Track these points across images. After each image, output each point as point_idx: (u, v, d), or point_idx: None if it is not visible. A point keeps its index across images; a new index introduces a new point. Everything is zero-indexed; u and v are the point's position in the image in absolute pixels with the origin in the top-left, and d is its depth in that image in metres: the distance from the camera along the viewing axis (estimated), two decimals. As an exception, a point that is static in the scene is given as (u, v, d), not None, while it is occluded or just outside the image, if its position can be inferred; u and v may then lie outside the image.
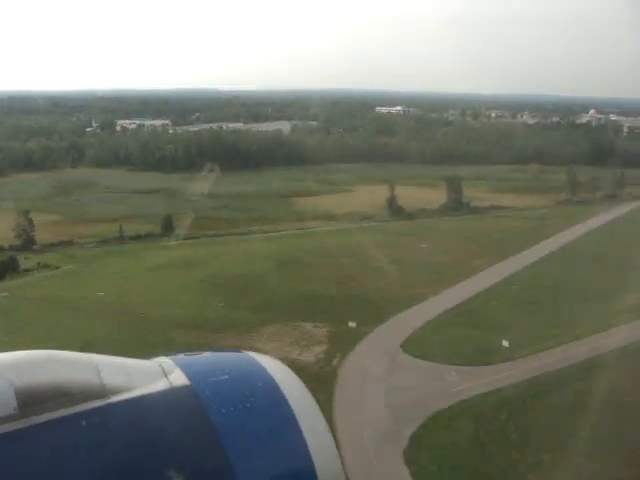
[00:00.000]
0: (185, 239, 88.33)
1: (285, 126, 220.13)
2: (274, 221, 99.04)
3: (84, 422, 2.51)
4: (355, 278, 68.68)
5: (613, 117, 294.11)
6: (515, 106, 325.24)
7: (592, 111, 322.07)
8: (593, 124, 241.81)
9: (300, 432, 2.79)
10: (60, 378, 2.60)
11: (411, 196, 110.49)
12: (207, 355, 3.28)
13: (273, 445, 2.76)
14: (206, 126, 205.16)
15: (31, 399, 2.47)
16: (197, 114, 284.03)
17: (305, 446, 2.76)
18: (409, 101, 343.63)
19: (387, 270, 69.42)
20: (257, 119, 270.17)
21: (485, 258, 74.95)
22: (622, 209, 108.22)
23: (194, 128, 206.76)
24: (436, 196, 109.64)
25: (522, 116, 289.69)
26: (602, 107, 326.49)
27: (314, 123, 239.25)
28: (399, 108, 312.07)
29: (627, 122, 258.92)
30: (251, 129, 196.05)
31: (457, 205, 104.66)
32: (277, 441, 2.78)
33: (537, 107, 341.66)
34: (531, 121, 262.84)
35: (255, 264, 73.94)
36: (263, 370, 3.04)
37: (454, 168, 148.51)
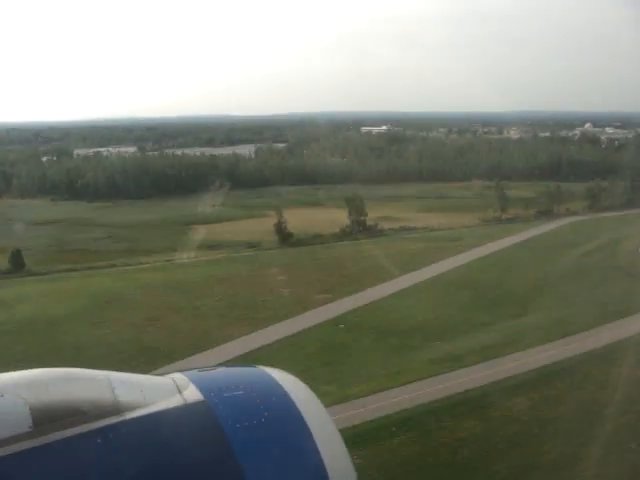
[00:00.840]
0: (32, 275, 79.38)
1: (249, 149, 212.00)
2: (150, 252, 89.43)
3: (99, 439, 2.50)
4: (162, 318, 58.47)
5: (610, 130, 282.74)
6: (521, 122, 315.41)
7: (587, 125, 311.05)
8: (576, 138, 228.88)
9: (315, 446, 2.76)
10: (75, 396, 2.61)
11: (316, 219, 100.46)
12: (220, 370, 3.27)
13: (288, 459, 2.73)
14: (177, 150, 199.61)
15: (46, 417, 2.47)
16: (177, 140, 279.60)
17: (320, 459, 2.73)
18: (418, 121, 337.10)
19: (204, 309, 59.46)
20: (233, 143, 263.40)
21: (335, 291, 63.92)
22: (546, 227, 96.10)
23: (152, 153, 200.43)
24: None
25: (509, 132, 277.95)
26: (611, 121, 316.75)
27: (282, 145, 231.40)
28: (384, 127, 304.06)
29: (618, 134, 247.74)
30: (204, 153, 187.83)
31: (359, 228, 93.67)
32: (292, 455, 2.74)
33: (542, 123, 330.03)
34: (516, 136, 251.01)
35: (70, 304, 64.22)
36: (276, 384, 3.03)
37: (397, 187, 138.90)
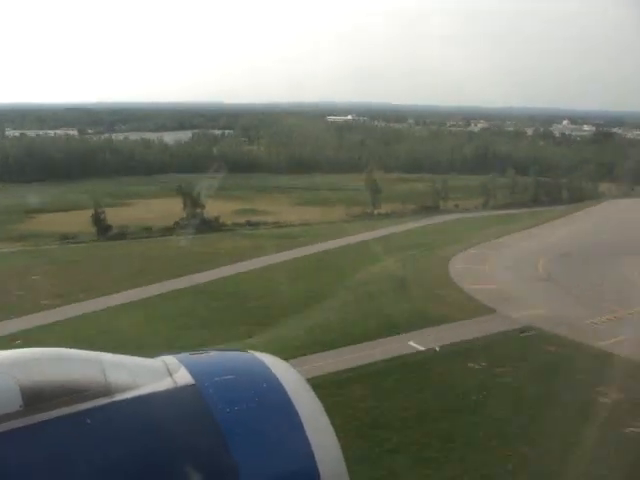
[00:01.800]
0: None
1: (185, 135, 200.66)
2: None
3: (89, 420, 2.52)
4: None
5: (586, 127, 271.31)
6: (507, 118, 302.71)
7: (565, 122, 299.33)
8: (529, 133, 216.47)
9: (304, 431, 2.78)
10: (66, 376, 2.61)
11: (164, 210, 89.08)
12: (212, 354, 3.24)
13: (277, 444, 2.75)
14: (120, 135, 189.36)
15: (36, 397, 2.48)
16: (131, 124, 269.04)
17: (308, 445, 2.75)
18: (406, 113, 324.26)
19: None
20: (185, 128, 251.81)
21: (62, 298, 52.31)
22: (413, 224, 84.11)
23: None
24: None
25: (476, 125, 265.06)
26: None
27: (228, 132, 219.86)
28: (349, 117, 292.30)
29: (583, 132, 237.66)
30: (130, 138, 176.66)
31: (196, 221, 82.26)
32: (281, 440, 2.77)
33: (532, 119, 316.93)
34: (477, 129, 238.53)
35: None
36: (267, 369, 3.04)
37: (297, 177, 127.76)
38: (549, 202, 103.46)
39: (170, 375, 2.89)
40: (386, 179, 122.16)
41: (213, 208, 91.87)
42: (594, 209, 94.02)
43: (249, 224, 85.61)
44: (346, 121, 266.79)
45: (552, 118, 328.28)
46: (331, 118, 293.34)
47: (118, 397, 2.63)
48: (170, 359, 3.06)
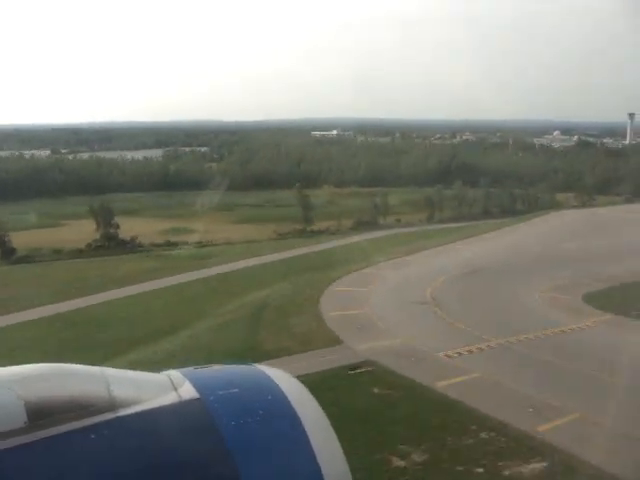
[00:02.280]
0: None
1: (156, 153, 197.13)
2: None
3: (93, 435, 2.50)
4: None
5: (576, 139, 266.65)
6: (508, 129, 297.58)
7: (556, 132, 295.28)
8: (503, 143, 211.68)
9: (310, 446, 2.74)
10: (70, 391, 2.60)
11: (86, 231, 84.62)
12: (216, 368, 3.22)
13: (283, 459, 2.72)
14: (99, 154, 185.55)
15: (41, 412, 2.47)
16: (112, 143, 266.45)
17: (315, 460, 2.72)
18: (404, 128, 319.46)
19: None
20: (161, 146, 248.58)
21: None
22: (344, 240, 78.63)
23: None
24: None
25: (461, 137, 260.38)
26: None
27: (201, 150, 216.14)
28: (334, 132, 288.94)
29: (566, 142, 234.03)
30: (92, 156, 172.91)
31: (110, 242, 77.78)
32: (287, 455, 2.73)
33: (524, 130, 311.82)
34: (457, 142, 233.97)
35: None
36: (273, 383, 3.00)
37: (252, 194, 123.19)
38: (499, 214, 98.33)
39: (175, 389, 2.85)
40: (339, 193, 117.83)
41: (142, 227, 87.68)
42: (536, 221, 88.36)
43: (168, 244, 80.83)
44: (326, 137, 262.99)
45: (546, 129, 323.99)
46: (315, 133, 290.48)
47: (122, 412, 2.60)
48: (175, 373, 3.01)
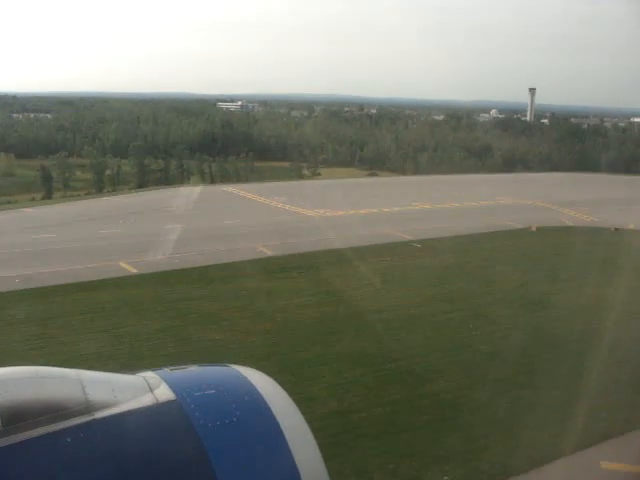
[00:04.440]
0: None
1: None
2: None
3: (69, 439, 2.45)
4: None
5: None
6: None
7: (493, 111, 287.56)
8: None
9: (287, 445, 2.73)
10: (45, 394, 2.55)
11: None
12: (193, 369, 3.19)
13: (259, 457, 2.71)
14: None
15: (15, 416, 2.42)
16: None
17: (291, 457, 2.71)
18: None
19: None
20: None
21: None
22: None
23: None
24: None
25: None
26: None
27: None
28: (239, 104, 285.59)
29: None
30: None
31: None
32: (264, 454, 2.72)
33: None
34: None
35: None
36: (248, 383, 3.00)
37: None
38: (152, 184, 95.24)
39: (151, 391, 2.79)
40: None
41: None
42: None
43: None
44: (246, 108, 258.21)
45: (489, 109, 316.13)
46: (222, 105, 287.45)
47: (98, 415, 2.54)
48: (150, 375, 2.96)
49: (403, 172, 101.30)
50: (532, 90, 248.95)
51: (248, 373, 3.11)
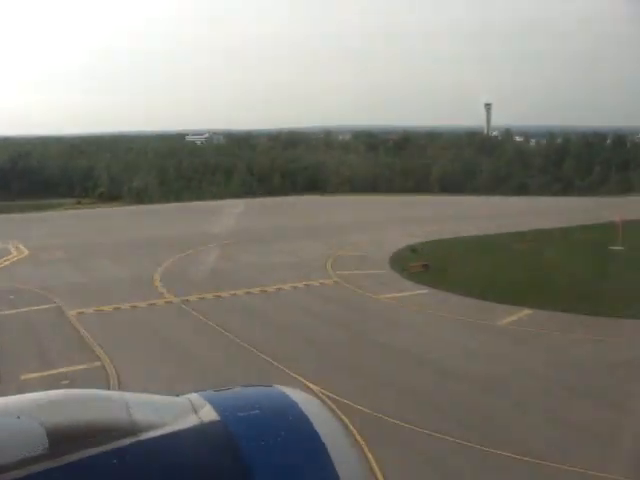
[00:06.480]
0: None
1: None
2: None
3: (115, 460, 2.48)
4: None
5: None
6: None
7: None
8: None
9: (333, 468, 2.70)
10: (91, 417, 2.59)
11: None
12: (237, 390, 3.19)
13: (305, 479, 2.70)
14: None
15: (62, 438, 2.44)
16: None
17: None
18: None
19: None
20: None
21: None
22: None
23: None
24: None
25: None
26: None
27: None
28: (206, 135, 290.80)
29: None
30: None
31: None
32: (309, 475, 2.69)
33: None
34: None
35: None
36: (294, 404, 2.97)
37: None
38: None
39: (195, 412, 2.80)
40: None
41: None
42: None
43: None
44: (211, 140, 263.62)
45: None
46: (190, 138, 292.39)
47: (144, 436, 2.56)
48: (195, 396, 2.96)
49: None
50: (487, 105, 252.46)
51: (293, 394, 3.07)
